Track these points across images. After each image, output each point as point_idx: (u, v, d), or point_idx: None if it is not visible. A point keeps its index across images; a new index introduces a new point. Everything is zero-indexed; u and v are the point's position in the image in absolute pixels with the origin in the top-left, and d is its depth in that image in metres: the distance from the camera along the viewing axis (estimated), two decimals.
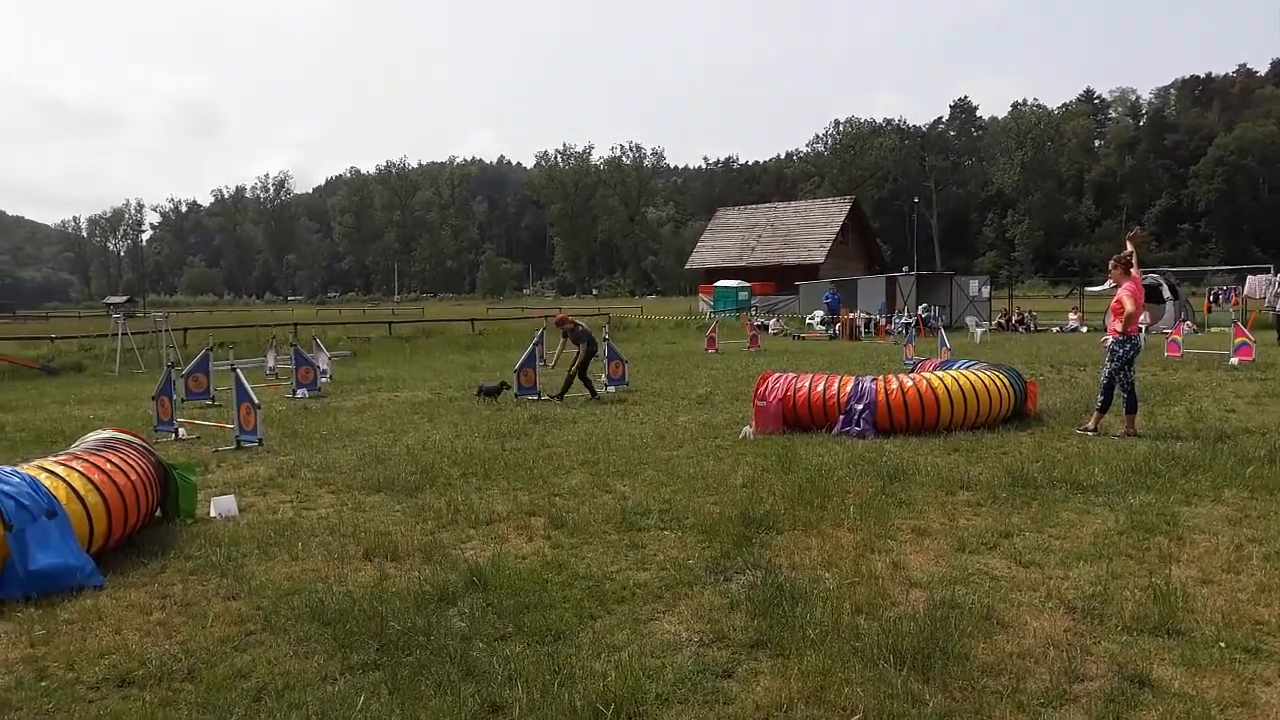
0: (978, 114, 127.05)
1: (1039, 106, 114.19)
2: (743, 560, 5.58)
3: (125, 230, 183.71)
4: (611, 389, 15.19)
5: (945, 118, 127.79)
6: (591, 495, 7.53)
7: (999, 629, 4.40)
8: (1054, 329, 34.19)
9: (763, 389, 10.66)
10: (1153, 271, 32.83)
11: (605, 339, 16.26)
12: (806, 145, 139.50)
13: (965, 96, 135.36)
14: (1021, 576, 5.21)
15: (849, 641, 4.22)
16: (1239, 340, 18.22)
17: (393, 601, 4.91)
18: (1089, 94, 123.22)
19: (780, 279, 52.46)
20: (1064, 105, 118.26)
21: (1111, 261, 10.02)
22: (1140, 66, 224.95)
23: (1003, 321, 36.34)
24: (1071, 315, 35.61)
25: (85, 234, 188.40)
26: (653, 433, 10.70)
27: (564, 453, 9.50)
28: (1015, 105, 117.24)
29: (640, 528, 6.46)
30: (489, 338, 32.49)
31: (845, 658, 4.04)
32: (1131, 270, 9.82)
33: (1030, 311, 37.64)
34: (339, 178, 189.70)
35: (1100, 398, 9.99)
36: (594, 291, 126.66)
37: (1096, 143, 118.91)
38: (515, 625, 4.56)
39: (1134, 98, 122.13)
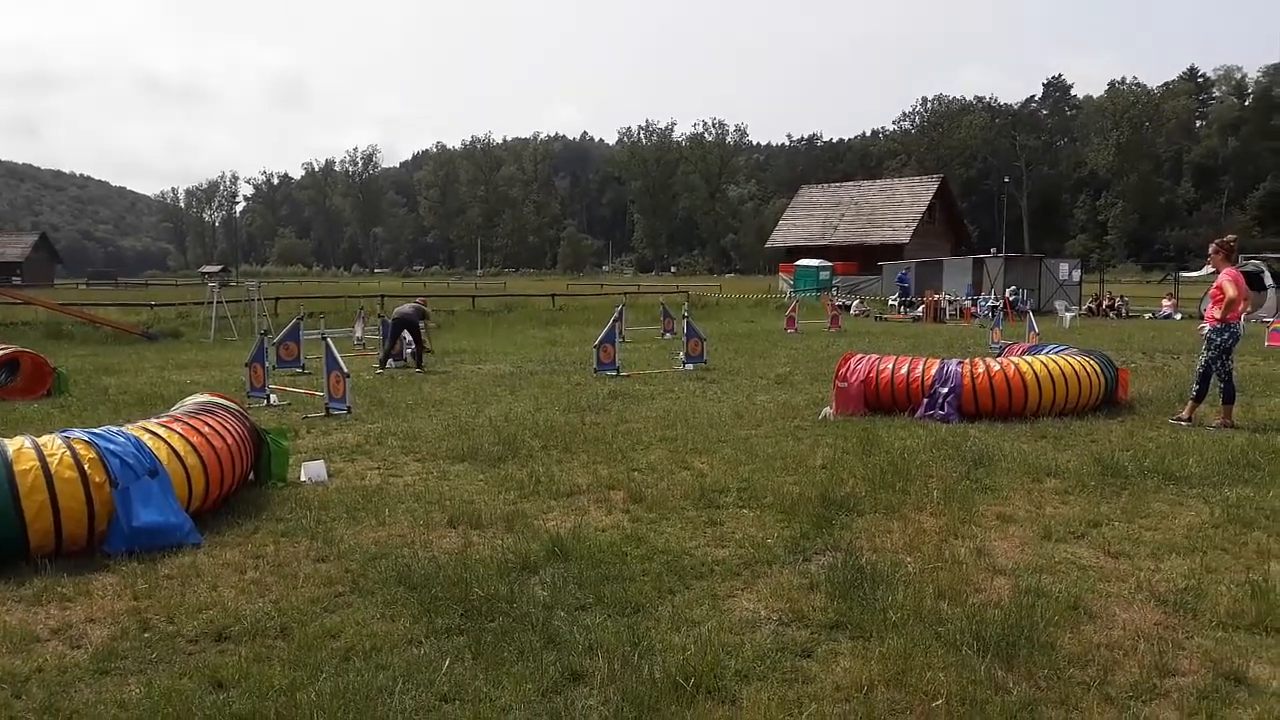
0: (1072, 93, 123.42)
1: (1138, 85, 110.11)
2: (822, 541, 5.56)
3: (220, 201, 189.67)
4: (689, 366, 15.21)
5: (1038, 96, 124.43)
6: (670, 471, 7.56)
7: (1086, 619, 4.31)
8: (1147, 315, 33.14)
9: (844, 370, 10.55)
10: (1254, 258, 31.57)
11: (684, 316, 16.37)
12: (893, 123, 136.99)
13: (1059, 74, 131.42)
14: (1110, 567, 5.09)
15: (931, 626, 4.18)
16: None
17: (476, 568, 5.01)
18: (1192, 72, 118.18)
19: (863, 259, 51.70)
20: (1165, 84, 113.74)
21: (1213, 246, 9.66)
22: (1247, 43, 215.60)
23: (1093, 306, 35.35)
24: (1165, 301, 34.45)
25: (183, 205, 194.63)
26: (731, 411, 10.68)
27: (642, 428, 9.54)
28: (1112, 84, 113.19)
29: (719, 505, 6.47)
30: (568, 313, 32.73)
31: (927, 642, 4.00)
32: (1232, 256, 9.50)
33: (1122, 296, 36.53)
34: (425, 152, 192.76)
35: (1195, 387, 9.66)
36: (673, 269, 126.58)
37: (1198, 123, 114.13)
38: (595, 596, 4.62)
39: (1240, 76, 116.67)
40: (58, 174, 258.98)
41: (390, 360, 15.65)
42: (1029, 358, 10.56)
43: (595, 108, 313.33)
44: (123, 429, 5.92)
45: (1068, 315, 29.31)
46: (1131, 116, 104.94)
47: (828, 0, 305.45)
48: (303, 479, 7.25)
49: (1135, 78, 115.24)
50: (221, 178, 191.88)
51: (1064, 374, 10.00)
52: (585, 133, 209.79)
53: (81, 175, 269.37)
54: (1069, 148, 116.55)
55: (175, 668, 3.88)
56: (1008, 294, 34.79)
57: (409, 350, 15.83)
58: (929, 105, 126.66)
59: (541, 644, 4.03)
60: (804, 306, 31.79)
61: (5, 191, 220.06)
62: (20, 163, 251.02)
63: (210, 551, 5.44)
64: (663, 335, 23.49)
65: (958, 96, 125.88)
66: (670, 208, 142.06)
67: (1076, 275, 38.93)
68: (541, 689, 3.63)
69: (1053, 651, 3.91)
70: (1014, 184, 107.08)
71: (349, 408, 10.63)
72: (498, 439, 8.79)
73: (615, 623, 4.28)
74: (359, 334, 21.26)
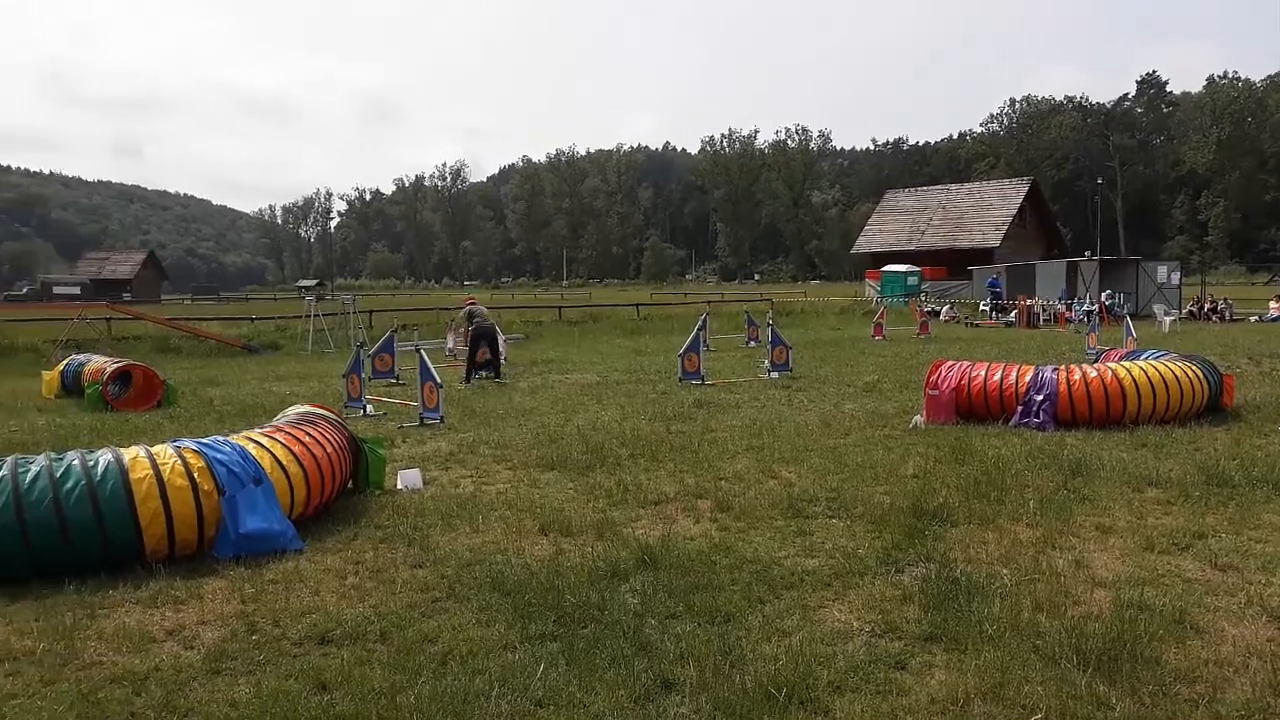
0: (1168, 89, 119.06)
1: (1239, 80, 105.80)
2: (915, 552, 5.48)
3: (315, 217, 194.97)
4: (774, 375, 15.14)
5: (1131, 94, 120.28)
6: (757, 480, 7.54)
7: (1193, 634, 4.17)
8: (1252, 318, 31.88)
9: (935, 377, 10.39)
10: None
11: (769, 324, 16.31)
12: (981, 125, 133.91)
13: (1154, 71, 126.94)
14: (1217, 580, 4.92)
15: (1029, 639, 4.10)
16: None
17: (568, 575, 5.08)
18: None
19: (953, 264, 50.76)
20: (1268, 77, 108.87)
21: None
22: None
23: (1194, 310, 34.14)
24: (1273, 304, 33.07)
25: (280, 221, 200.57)
26: (818, 420, 10.60)
27: (728, 437, 9.53)
28: (1211, 78, 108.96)
29: (807, 515, 6.43)
30: (652, 323, 32.83)
31: (1025, 656, 3.92)
32: None
33: (1225, 299, 35.18)
34: (512, 166, 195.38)
35: None
36: (756, 276, 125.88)
37: None
38: (685, 605, 4.64)
39: None
40: (163, 194, 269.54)
41: (482, 371, 15.87)
42: (1127, 363, 10.26)
43: (677, 117, 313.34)
44: (228, 439, 6.15)
45: (1167, 319, 28.36)
46: (1233, 112, 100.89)
47: (911, 2, 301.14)
48: (399, 487, 7.43)
49: (1236, 71, 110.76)
50: (316, 194, 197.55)
51: (1164, 380, 9.68)
52: (668, 142, 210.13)
53: (185, 195, 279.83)
54: (1165, 146, 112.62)
55: (281, 669, 4.03)
56: (1103, 298, 33.80)
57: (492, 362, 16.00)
58: (1017, 106, 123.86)
59: (633, 651, 4.07)
60: (892, 313, 31.34)
61: (116, 211, 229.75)
62: (130, 184, 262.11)
63: (312, 557, 5.62)
64: (747, 343, 23.40)
65: (1047, 96, 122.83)
66: (753, 215, 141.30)
67: (1176, 278, 37.61)
68: (634, 695, 3.67)
69: (1157, 667, 3.81)
70: (1108, 185, 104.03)
71: (442, 417, 10.85)
72: (586, 448, 8.89)
73: (706, 631, 4.30)
74: (451, 345, 21.66)
